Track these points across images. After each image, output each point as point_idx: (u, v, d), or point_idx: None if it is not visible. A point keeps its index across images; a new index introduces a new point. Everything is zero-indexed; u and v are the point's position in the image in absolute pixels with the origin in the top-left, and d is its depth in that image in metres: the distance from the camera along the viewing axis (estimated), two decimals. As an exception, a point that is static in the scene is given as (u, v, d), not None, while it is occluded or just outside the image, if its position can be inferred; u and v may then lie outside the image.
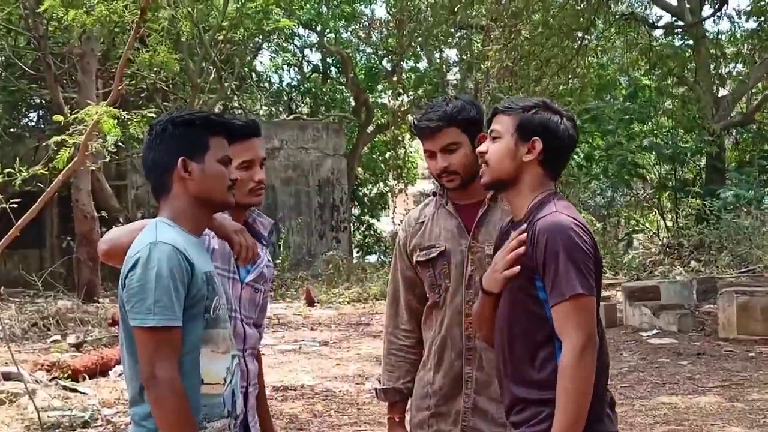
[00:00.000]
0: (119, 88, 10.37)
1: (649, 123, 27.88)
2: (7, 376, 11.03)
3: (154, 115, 12.95)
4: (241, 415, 3.67)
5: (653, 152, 27.07)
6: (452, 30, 24.64)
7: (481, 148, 3.69)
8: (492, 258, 4.07)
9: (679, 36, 27.41)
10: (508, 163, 3.60)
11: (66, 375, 11.63)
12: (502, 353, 3.62)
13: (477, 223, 4.27)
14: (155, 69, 16.17)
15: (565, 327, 3.35)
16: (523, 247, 3.49)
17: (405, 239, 4.51)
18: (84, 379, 11.84)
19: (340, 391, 11.39)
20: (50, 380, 11.46)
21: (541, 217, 3.48)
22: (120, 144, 15.23)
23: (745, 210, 22.95)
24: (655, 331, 15.03)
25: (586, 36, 19.98)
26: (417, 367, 4.51)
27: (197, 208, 3.55)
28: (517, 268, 3.50)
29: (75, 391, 11.18)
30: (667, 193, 28.35)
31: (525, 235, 3.50)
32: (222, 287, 3.67)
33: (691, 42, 26.45)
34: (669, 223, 27.66)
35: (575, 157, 29.09)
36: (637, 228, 28.67)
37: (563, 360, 3.34)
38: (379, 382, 4.66)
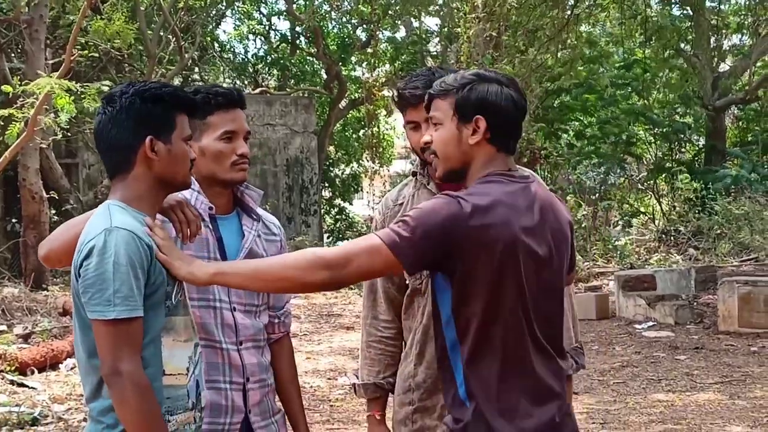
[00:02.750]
0: (71, 58, 10.34)
1: (645, 99, 27.98)
2: (-51, 370, 11.02)
3: (107, 88, 12.89)
4: (203, 406, 3.65)
5: (649, 127, 27.18)
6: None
7: (425, 137, 3.68)
8: None
9: (677, 5, 27.49)
10: (455, 149, 3.56)
11: (13, 368, 11.60)
12: None
13: None
14: (110, 39, 16.04)
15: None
16: None
17: (382, 222, 4.48)
18: (32, 372, 11.81)
19: (311, 387, 11.40)
20: (-5, 374, 11.46)
21: None
22: (72, 119, 15.19)
23: (747, 193, 23.09)
24: (650, 324, 15.12)
25: (577, 4, 19.99)
26: (398, 360, 4.51)
27: (156, 190, 3.53)
28: None
29: (23, 385, 11.15)
30: (663, 174, 28.47)
31: None
32: None
33: (689, 12, 26.55)
34: (665, 207, 27.79)
35: (564, 135, 29.21)
36: (630, 212, 28.76)
37: None
38: (357, 377, 4.66)
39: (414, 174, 4.47)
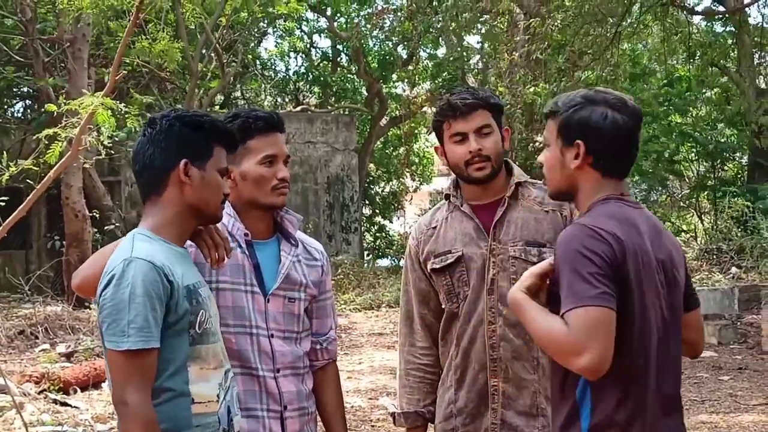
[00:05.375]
0: (116, 78, 10.38)
1: (688, 116, 27.86)
2: (-7, 388, 11.07)
3: (150, 100, 12.89)
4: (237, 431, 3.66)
5: (692, 144, 27.06)
6: (478, 15, 24.56)
7: (540, 157, 3.63)
8: (517, 260, 4.11)
9: (720, 22, 27.38)
10: (559, 173, 3.51)
11: (56, 387, 11.66)
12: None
13: (497, 222, 4.26)
14: (158, 60, 16.08)
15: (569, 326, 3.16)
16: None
17: (416, 247, 4.49)
18: (75, 391, 11.88)
19: (352, 407, 11.38)
20: (39, 393, 11.48)
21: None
22: (114, 137, 15.20)
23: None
24: (693, 344, 15.00)
25: (621, 23, 19.93)
26: (437, 387, 4.48)
27: (186, 217, 3.56)
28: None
29: (66, 404, 11.20)
30: (705, 192, 28.32)
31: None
32: (225, 301, 3.74)
33: (733, 29, 26.42)
34: (707, 225, 27.63)
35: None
36: (672, 230, 28.59)
37: (560, 326, 3.18)
38: (395, 405, 4.65)
39: (447, 197, 4.48)
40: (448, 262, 4.33)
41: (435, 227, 4.44)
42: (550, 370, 3.63)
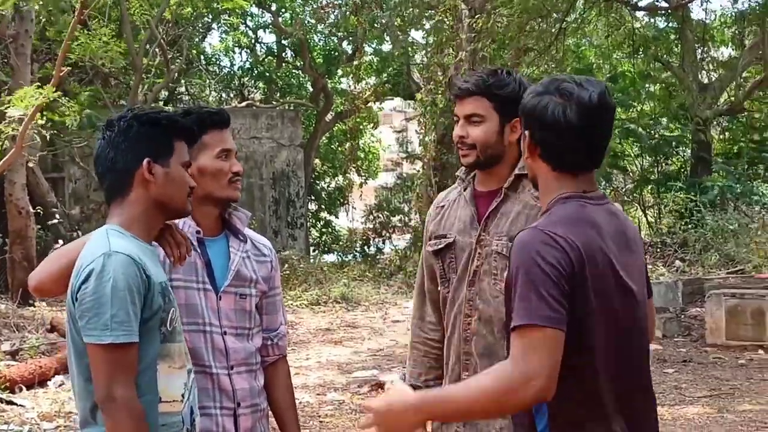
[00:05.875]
0: (60, 75, 10.35)
1: (632, 111, 28.04)
2: (-63, 388, 10.99)
3: (89, 93, 12.77)
4: None
5: (635, 141, 27.24)
6: (424, 11, 24.62)
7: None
8: (499, 255, 4.06)
9: (663, 18, 27.60)
10: (525, 161, 3.40)
11: (1, 386, 11.57)
12: None
13: (489, 213, 4.22)
14: (98, 56, 15.91)
15: (512, 353, 3.01)
16: None
17: (427, 223, 4.52)
18: (21, 390, 11.78)
19: (300, 403, 11.34)
20: (-17, 392, 11.41)
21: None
22: (58, 133, 15.07)
23: (732, 204, 23.20)
24: (637, 337, 15.11)
25: (565, 19, 20.04)
26: (442, 362, 4.46)
27: (153, 214, 3.56)
28: None
29: (11, 403, 11.12)
30: (649, 186, 28.52)
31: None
32: (178, 299, 3.71)
33: (676, 24, 26.64)
34: (651, 219, 27.85)
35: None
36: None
37: (500, 368, 3.03)
38: (405, 376, 4.67)
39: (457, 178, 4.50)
40: (440, 246, 4.35)
41: (443, 206, 4.46)
42: None
